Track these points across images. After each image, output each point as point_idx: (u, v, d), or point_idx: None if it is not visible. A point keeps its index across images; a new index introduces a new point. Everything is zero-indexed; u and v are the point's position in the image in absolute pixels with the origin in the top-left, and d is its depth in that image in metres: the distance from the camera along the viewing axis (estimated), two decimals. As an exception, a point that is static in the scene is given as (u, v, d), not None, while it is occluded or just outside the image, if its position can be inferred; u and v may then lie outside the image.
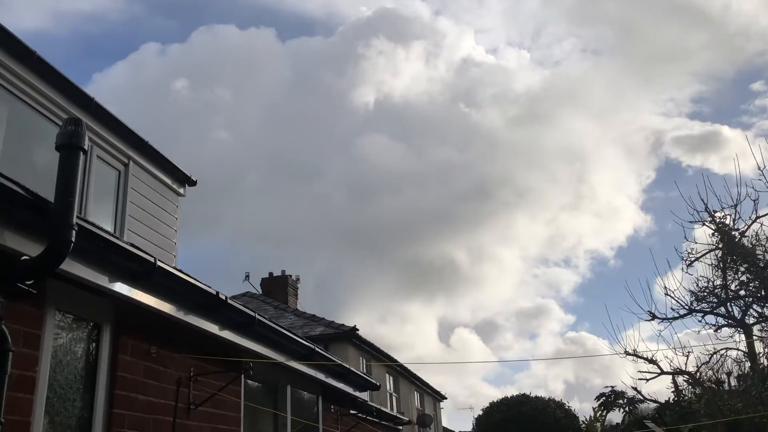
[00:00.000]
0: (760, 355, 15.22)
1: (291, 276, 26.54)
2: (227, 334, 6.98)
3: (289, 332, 8.19)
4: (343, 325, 22.20)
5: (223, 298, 6.52)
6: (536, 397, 19.60)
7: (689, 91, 48.26)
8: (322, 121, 49.14)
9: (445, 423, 41.16)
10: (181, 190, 12.40)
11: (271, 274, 26.35)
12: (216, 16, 57.05)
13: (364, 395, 12.26)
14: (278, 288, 25.82)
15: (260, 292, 25.55)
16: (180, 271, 6.10)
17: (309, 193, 47.78)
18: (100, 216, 9.81)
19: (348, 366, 10.58)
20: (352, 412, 11.68)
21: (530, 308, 63.75)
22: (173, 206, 12.12)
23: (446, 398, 38.01)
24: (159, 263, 5.56)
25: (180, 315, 6.16)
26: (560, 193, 51.95)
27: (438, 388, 36.51)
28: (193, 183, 12.66)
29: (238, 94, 49.59)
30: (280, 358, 8.19)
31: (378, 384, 12.97)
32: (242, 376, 7.50)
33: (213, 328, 6.73)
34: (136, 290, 5.52)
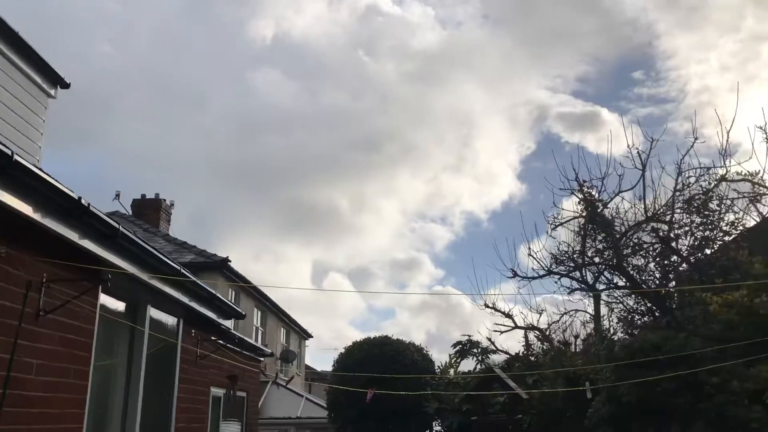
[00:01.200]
0: (604, 317, 16.68)
1: (165, 200, 25.72)
2: (87, 244, 6.73)
3: (155, 250, 8.01)
4: (215, 255, 21.91)
5: (86, 204, 6.27)
6: (398, 339, 20.40)
7: (576, 71, 50.63)
8: (215, 48, 47.15)
9: (309, 361, 41.98)
10: (52, 92, 11.61)
11: (143, 195, 25.39)
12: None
13: (228, 323, 12.27)
14: (150, 211, 24.97)
15: (130, 214, 24.61)
16: (41, 170, 5.78)
17: (193, 122, 46.06)
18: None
19: (213, 291, 10.52)
20: (213, 338, 11.67)
21: (404, 260, 65.67)
22: (41, 107, 11.35)
23: (312, 337, 38.76)
24: (17, 158, 5.24)
25: (37, 217, 5.86)
26: (444, 154, 53.33)
27: (306, 327, 37.14)
28: (66, 85, 11.88)
29: (128, 6, 46.40)
30: (142, 275, 8.02)
31: (243, 313, 13.01)
32: (99, 287, 7.28)
33: (72, 235, 6.46)
34: (-12, 183, 5.19)
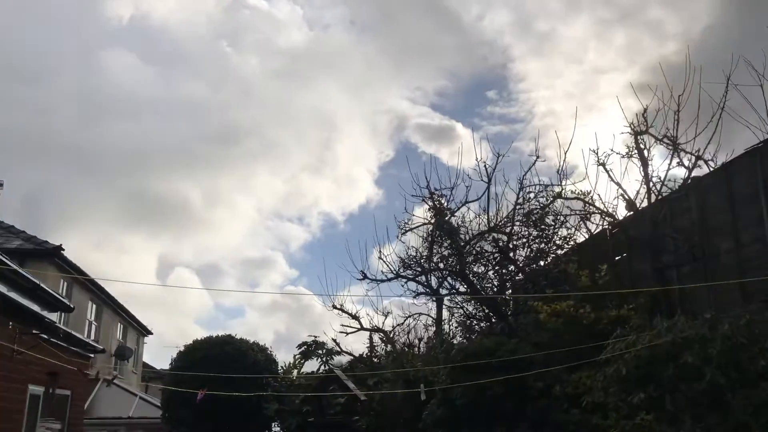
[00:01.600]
0: (445, 321, 17.31)
1: (-8, 179, 23.39)
2: None
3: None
4: (46, 242, 20.20)
5: None
6: (241, 339, 19.93)
7: (436, 85, 52.61)
8: (64, 21, 43.71)
9: (147, 359, 39.96)
10: None
11: (-34, 172, 22.95)
12: None
13: (54, 316, 11.33)
14: (-28, 190, 22.59)
15: (-52, 191, 22.10)
16: None
17: (31, 97, 42.34)
18: None
19: (37, 281, 9.67)
20: (35, 331, 10.72)
21: (257, 258, 64.49)
22: None
23: (152, 333, 36.97)
24: None
25: None
26: (305, 154, 53.12)
27: (146, 324, 35.33)
28: None
29: None
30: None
31: (72, 306, 12.08)
32: None
33: None
34: None
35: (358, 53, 50.61)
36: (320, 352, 18.98)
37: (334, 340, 18.39)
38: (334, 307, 17.41)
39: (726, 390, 7.54)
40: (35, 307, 10.17)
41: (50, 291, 10.42)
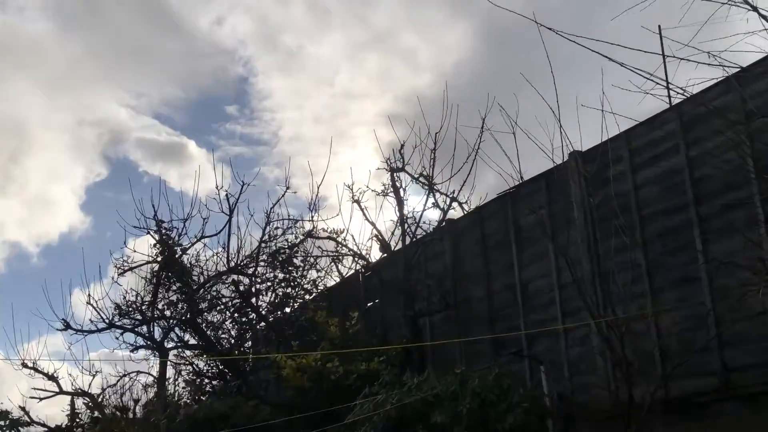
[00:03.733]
0: (170, 381, 16.67)
1: None
2: None
3: None
4: None
5: None
6: None
7: (163, 94, 51.14)
8: None
9: None
10: None
11: None
12: None
13: None
14: None
15: None
16: None
17: None
18: None
19: None
20: None
21: None
22: None
23: None
24: None
25: None
26: None
27: None
28: None
29: None
30: None
31: None
32: None
33: None
34: None
35: (60, 48, 47.52)
36: (2, 423, 17.17)
37: (22, 408, 16.81)
38: (24, 365, 15.89)
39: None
40: None
41: None
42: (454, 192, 12.89)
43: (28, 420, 17.20)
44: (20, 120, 47.20)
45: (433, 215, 13.25)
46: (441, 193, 13.00)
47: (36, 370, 16.09)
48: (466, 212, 12.83)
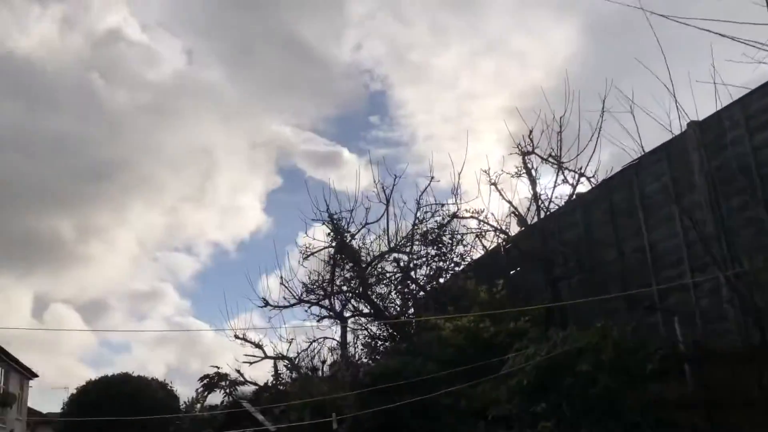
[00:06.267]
0: (350, 344, 17.40)
1: None
2: None
3: None
4: None
5: None
6: (139, 376, 19.14)
7: (321, 112, 53.42)
8: None
9: (33, 404, 37.37)
10: None
11: None
12: None
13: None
14: None
15: None
16: None
17: None
18: None
19: None
20: None
21: (145, 290, 61.69)
22: None
23: (37, 376, 34.64)
24: None
25: None
26: (182, 186, 51.97)
27: (29, 366, 33.07)
28: None
29: None
30: None
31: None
32: None
33: None
34: None
35: (228, 86, 50.55)
36: (223, 383, 18.53)
37: (238, 371, 18.04)
38: (236, 336, 17.12)
39: (617, 393, 8.11)
40: None
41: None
42: (581, 168, 12.58)
43: (243, 380, 18.46)
44: (207, 147, 50.78)
45: (564, 191, 12.96)
46: (569, 170, 12.71)
47: (245, 340, 17.29)
48: (594, 185, 12.46)
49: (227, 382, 18.45)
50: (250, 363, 17.60)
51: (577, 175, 12.63)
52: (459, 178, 14.91)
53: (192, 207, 52.82)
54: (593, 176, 12.48)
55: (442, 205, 15.60)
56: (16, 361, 31.29)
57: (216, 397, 19.30)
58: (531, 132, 12.91)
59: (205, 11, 47.55)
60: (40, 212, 46.06)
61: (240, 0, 46.53)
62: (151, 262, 56.65)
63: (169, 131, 49.30)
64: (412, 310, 16.68)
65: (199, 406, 19.04)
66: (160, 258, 57.88)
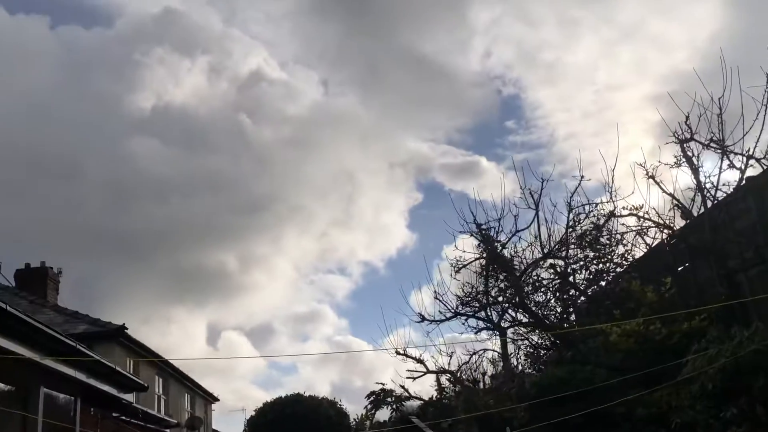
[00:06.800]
0: (512, 355, 17.04)
1: (52, 268, 24.12)
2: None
3: (46, 326, 7.46)
4: (109, 323, 20.60)
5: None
6: (310, 396, 19.93)
7: (454, 123, 53.45)
8: (90, 120, 45.56)
9: (216, 426, 40.17)
10: None
11: (27, 265, 23.72)
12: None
13: (130, 397, 11.55)
14: (36, 281, 23.26)
15: (14, 285, 22.90)
16: None
17: (65, 193, 43.91)
18: None
19: (112, 365, 9.89)
20: (114, 414, 10.93)
21: (305, 312, 64.56)
22: None
23: (218, 400, 37.17)
24: None
25: None
26: (330, 211, 54.09)
27: (210, 390, 35.55)
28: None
29: None
30: (34, 355, 7.42)
31: (146, 385, 12.30)
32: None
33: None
34: None
35: (364, 109, 52.05)
36: (389, 399, 18.82)
37: (402, 387, 18.23)
38: (397, 353, 17.32)
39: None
40: (113, 391, 10.38)
41: (126, 374, 10.64)
42: (748, 150, 11.50)
43: (408, 395, 18.64)
44: (349, 171, 52.59)
45: (730, 176, 11.90)
46: (735, 154, 11.67)
47: (406, 355, 17.45)
48: (765, 168, 11.35)
49: (393, 398, 18.72)
50: (414, 378, 17.74)
51: (744, 158, 11.57)
52: (612, 175, 14.16)
53: (340, 230, 54.89)
54: (764, 157, 11.38)
55: (596, 204, 14.89)
56: (200, 387, 33.77)
57: (383, 413, 19.67)
58: (687, 117, 12.04)
59: (335, 42, 49.66)
60: (206, 247, 49.84)
61: (365, 26, 48.19)
62: (308, 285, 59.37)
63: (312, 160, 51.73)
64: (573, 317, 16.04)
65: (368, 422, 19.45)
66: (316, 281, 60.46)
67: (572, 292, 15.44)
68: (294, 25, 52.36)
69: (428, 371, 17.71)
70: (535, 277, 15.81)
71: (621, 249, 14.84)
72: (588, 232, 14.91)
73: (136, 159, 44.37)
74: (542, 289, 15.81)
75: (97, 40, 50.87)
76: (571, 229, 14.94)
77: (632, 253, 14.76)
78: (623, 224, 14.43)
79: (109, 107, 46.67)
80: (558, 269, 15.06)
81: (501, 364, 17.30)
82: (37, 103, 43.02)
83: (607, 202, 14.52)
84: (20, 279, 23.54)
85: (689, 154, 12.12)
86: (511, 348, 17.18)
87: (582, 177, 14.77)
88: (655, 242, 14.03)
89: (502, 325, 16.50)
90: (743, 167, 11.61)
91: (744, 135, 11.44)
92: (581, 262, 15.08)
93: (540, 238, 15.08)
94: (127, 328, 20.59)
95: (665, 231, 13.39)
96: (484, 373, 18.48)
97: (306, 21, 50.77)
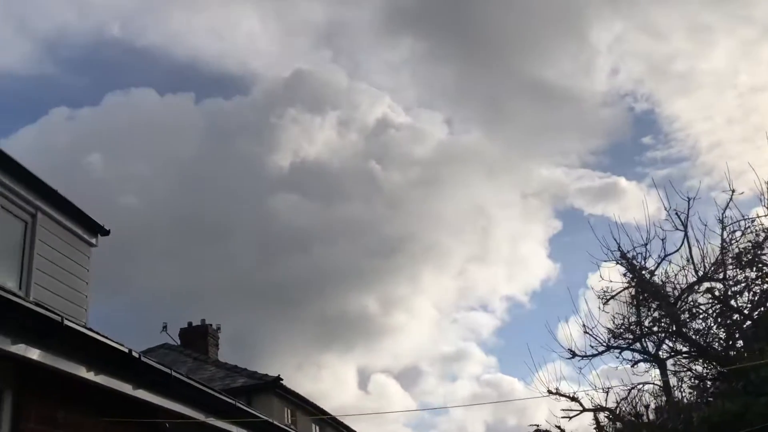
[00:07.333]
0: (674, 388, 15.83)
1: (211, 325, 25.76)
2: (142, 394, 6.65)
3: (209, 388, 7.90)
4: (266, 375, 21.60)
5: (136, 355, 6.24)
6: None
7: (588, 145, 51.69)
8: (235, 184, 49.09)
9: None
10: (93, 240, 11.92)
11: (190, 323, 25.50)
12: (130, 76, 56.05)
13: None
14: (198, 338, 24.99)
15: (179, 344, 24.65)
16: (89, 329, 5.81)
17: (218, 253, 47.26)
18: (3, 270, 9.28)
19: (273, 421, 10.26)
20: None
21: (451, 352, 64.03)
22: (84, 257, 11.61)
23: (373, 445, 37.50)
24: (66, 321, 5.27)
25: (90, 376, 5.83)
26: (466, 247, 53.92)
27: (365, 435, 36.00)
28: (105, 232, 12.18)
29: (151, 161, 48.63)
30: (199, 416, 7.87)
31: (303, 436, 12.63)
32: (158, 437, 7.15)
33: (126, 387, 6.40)
34: (40, 351, 5.20)
35: (489, 143, 51.67)
36: (545, 441, 18.02)
37: (558, 427, 17.42)
38: (550, 392, 16.63)
39: None
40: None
41: (282, 426, 10.99)
42: None
43: (566, 437, 17.75)
44: (481, 206, 52.43)
45: None
46: None
47: (559, 393, 16.70)
48: None
49: (549, 440, 17.94)
50: (570, 418, 16.91)
51: None
52: (767, 184, 13.01)
53: (478, 265, 54.43)
54: None
55: (753, 219, 13.69)
56: (354, 432, 34.21)
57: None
58: None
59: (453, 81, 50.18)
60: (348, 292, 51.36)
61: (483, 60, 48.31)
62: (451, 324, 59.09)
63: (442, 198, 52.15)
64: (740, 343, 14.70)
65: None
66: (459, 319, 60.05)
67: (735, 317, 14.19)
68: (413, 70, 53.62)
69: (584, 409, 16.80)
70: (692, 303, 14.70)
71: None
72: (746, 251, 13.71)
73: (279, 214, 47.00)
74: (701, 316, 14.66)
75: (237, 108, 54.88)
76: (726, 249, 13.81)
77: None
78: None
79: (251, 169, 49.98)
80: (716, 293, 13.91)
81: (663, 397, 16.13)
82: (188, 173, 46.91)
83: (765, 216, 13.33)
84: (184, 337, 25.37)
85: None
86: (673, 380, 16.00)
87: (733, 191, 13.67)
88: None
89: (661, 355, 15.43)
90: None
91: None
92: (742, 284, 13.86)
93: (692, 261, 14.04)
94: (282, 379, 21.47)
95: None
96: (647, 406, 17.32)
97: (423, 65, 51.84)
